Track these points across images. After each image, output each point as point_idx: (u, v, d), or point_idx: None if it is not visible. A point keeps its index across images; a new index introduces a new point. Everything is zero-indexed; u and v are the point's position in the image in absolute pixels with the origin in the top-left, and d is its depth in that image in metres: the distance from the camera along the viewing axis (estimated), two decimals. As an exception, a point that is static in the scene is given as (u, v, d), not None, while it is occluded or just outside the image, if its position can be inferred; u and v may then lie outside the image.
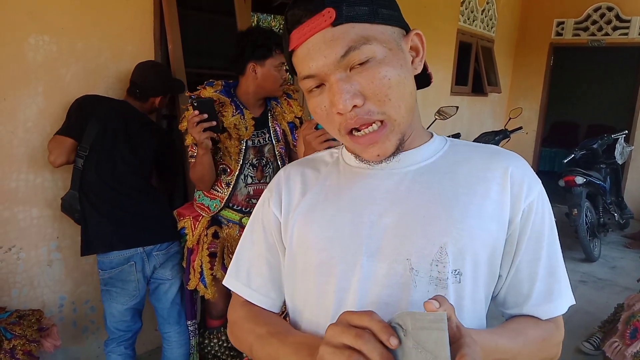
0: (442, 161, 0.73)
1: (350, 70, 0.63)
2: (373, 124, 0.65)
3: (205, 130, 1.64)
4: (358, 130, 0.66)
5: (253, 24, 2.44)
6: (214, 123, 1.63)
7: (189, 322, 2.09)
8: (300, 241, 0.74)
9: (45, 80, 1.93)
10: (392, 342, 0.50)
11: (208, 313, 2.09)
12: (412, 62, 0.69)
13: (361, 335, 0.51)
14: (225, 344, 2.09)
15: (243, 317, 0.80)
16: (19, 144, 1.90)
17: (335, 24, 0.62)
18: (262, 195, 0.85)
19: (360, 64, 0.63)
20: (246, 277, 0.82)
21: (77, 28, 1.98)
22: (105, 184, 1.87)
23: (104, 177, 1.86)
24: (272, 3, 4.51)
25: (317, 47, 0.63)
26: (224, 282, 0.86)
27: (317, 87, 0.66)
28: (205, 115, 1.61)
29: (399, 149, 0.68)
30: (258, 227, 0.82)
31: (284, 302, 0.83)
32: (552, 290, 0.72)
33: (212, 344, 2.09)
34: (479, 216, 0.67)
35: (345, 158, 0.79)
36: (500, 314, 0.78)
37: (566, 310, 0.73)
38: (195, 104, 1.61)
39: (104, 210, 1.87)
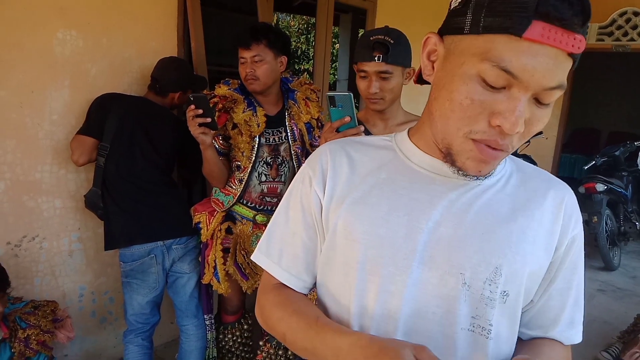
0: (505, 181, 0.73)
1: (533, 99, 0.59)
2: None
3: (200, 125, 1.68)
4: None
5: (273, 23, 2.46)
6: (209, 120, 1.67)
7: (205, 317, 2.11)
8: (345, 232, 0.70)
9: (72, 74, 1.97)
10: None
11: (223, 308, 2.11)
12: None
13: None
14: (239, 340, 2.11)
15: (272, 303, 0.76)
16: (45, 136, 1.94)
17: (574, 55, 0.57)
18: (300, 171, 0.79)
19: (541, 102, 0.59)
20: (278, 255, 0.78)
21: (103, 24, 2.02)
22: (126, 180, 1.90)
23: (125, 173, 1.89)
24: (293, 3, 4.53)
25: (546, 61, 0.55)
26: (252, 257, 0.82)
27: (502, 87, 0.58)
28: (201, 111, 1.66)
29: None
30: (296, 205, 0.77)
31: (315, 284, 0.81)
32: (574, 317, 0.75)
33: (226, 339, 2.11)
34: (533, 242, 0.68)
35: (405, 151, 0.74)
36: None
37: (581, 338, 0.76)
38: (192, 99, 1.66)
39: (126, 205, 1.90)
